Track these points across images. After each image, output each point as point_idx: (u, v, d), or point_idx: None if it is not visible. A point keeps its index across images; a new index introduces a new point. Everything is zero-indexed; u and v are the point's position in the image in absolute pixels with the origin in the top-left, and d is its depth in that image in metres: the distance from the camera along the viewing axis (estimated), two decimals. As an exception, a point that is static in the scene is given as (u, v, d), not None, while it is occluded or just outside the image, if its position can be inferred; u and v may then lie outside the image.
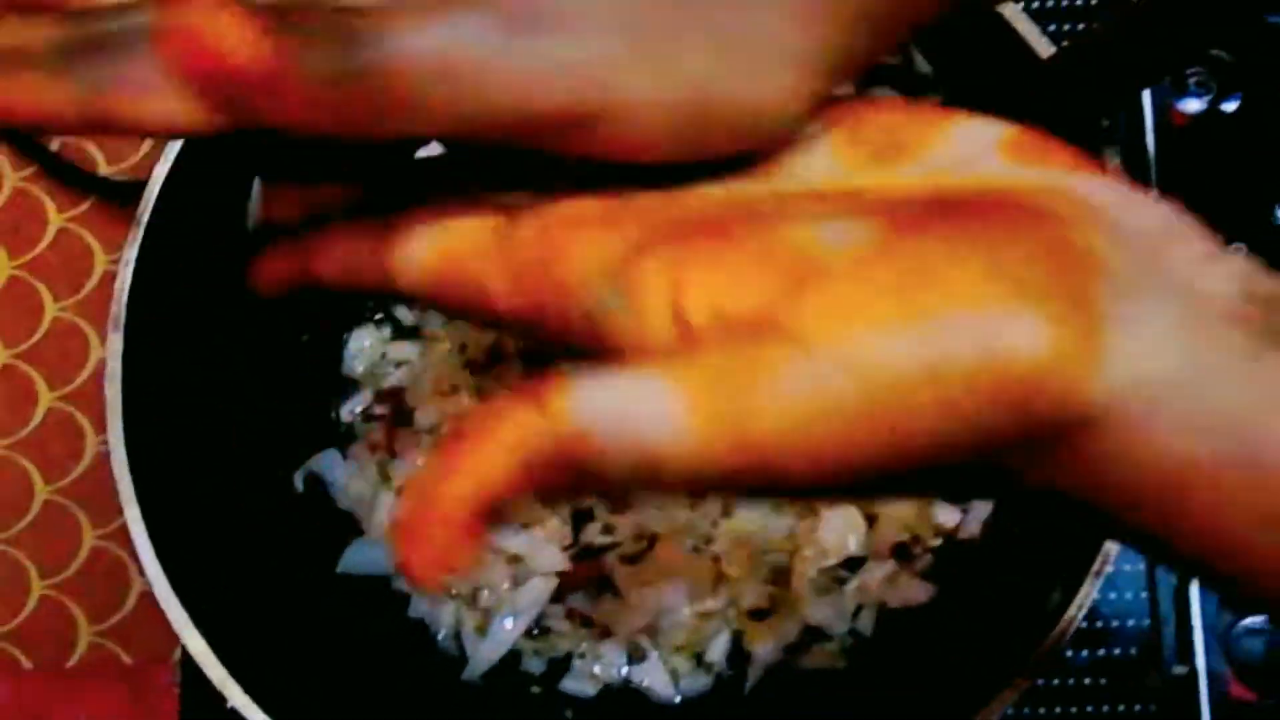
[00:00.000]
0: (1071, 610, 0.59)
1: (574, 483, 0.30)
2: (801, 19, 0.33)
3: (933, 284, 0.29)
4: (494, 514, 0.29)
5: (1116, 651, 0.71)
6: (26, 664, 0.79)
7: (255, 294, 0.40)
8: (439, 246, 0.34)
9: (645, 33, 0.32)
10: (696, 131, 0.33)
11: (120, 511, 0.77)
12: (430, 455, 0.36)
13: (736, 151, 0.34)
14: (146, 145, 0.85)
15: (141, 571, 0.77)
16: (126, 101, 0.30)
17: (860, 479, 0.29)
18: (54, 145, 0.85)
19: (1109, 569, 0.59)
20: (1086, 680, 0.71)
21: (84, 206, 0.85)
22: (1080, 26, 0.77)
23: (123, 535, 0.78)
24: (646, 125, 0.32)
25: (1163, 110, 0.75)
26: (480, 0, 0.31)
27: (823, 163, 0.35)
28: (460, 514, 0.28)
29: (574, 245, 0.32)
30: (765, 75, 0.33)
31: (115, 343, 0.64)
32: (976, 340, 0.28)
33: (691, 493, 0.36)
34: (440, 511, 0.29)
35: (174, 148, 0.65)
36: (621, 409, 0.29)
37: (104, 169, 0.85)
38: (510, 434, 0.29)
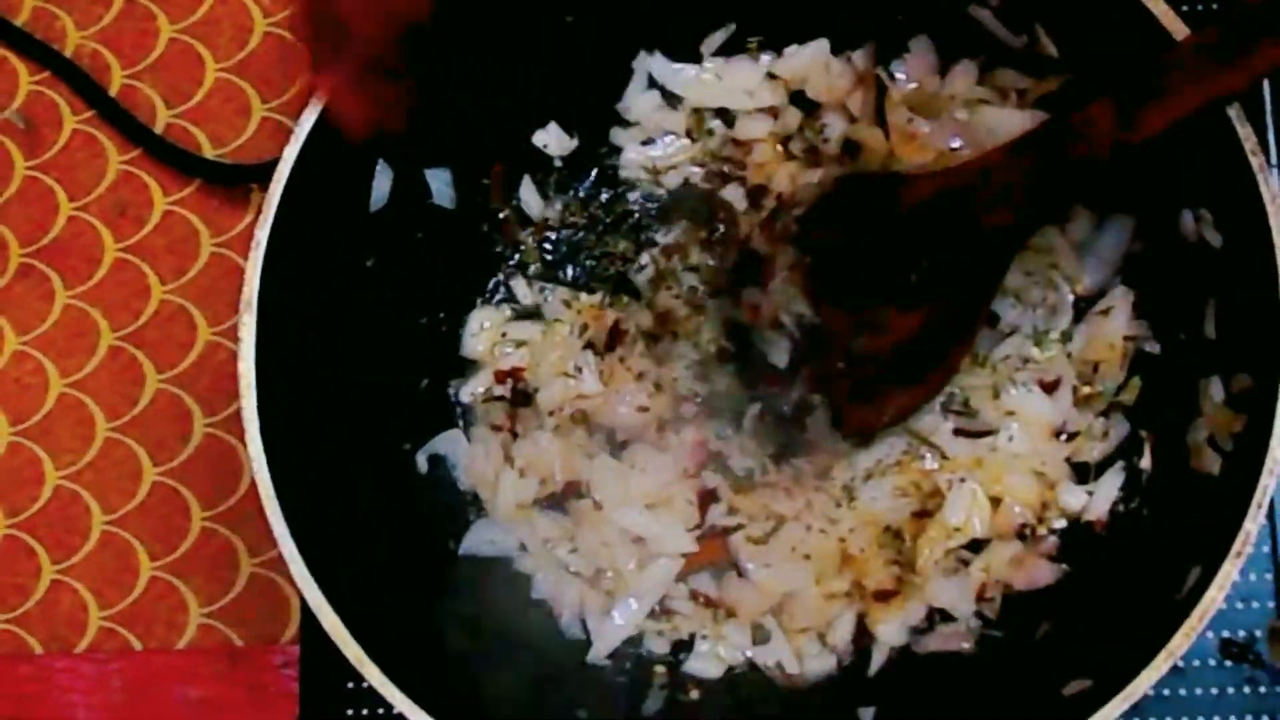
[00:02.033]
0: (1213, 591, 0.59)
1: None
2: None
3: None
4: None
5: (1241, 634, 0.70)
6: (137, 645, 0.79)
7: None
8: None
9: None
10: None
11: (229, 494, 0.78)
12: None
13: None
14: (250, 129, 0.85)
15: (251, 553, 0.78)
16: None
17: None
18: (158, 128, 0.85)
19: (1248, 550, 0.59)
20: (1211, 661, 0.70)
21: (189, 189, 0.85)
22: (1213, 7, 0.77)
23: (231, 517, 0.79)
24: None
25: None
26: None
27: None
28: None
29: None
30: None
31: (249, 322, 0.64)
32: None
33: None
34: None
35: (302, 130, 0.65)
36: None
37: (209, 152, 0.85)
38: None
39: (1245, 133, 0.61)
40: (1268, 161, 0.68)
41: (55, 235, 0.85)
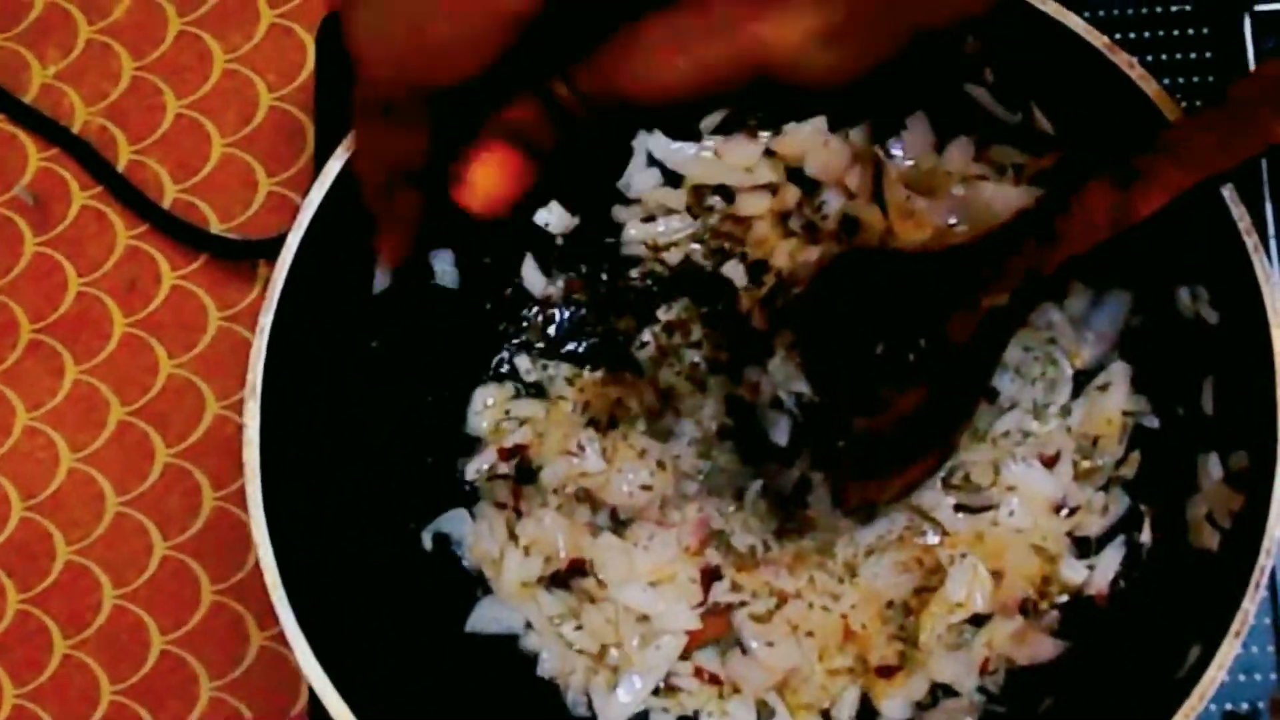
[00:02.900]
0: (1212, 670, 0.59)
1: None
2: None
3: None
4: None
5: (1244, 706, 0.71)
6: (149, 720, 0.80)
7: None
8: None
9: None
10: None
11: (239, 567, 0.79)
12: None
13: None
14: (256, 204, 0.86)
15: (261, 626, 0.78)
16: None
17: None
18: (166, 203, 0.86)
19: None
20: (1215, 735, 0.71)
21: (197, 264, 0.86)
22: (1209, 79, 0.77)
23: (241, 590, 0.80)
24: None
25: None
26: None
27: None
28: None
29: None
30: None
31: (253, 409, 0.64)
32: None
33: None
34: None
35: (304, 217, 0.66)
36: None
37: (216, 226, 0.86)
38: None
39: (1239, 212, 0.61)
40: (1265, 237, 0.69)
41: (64, 311, 0.86)
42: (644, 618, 0.71)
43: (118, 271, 0.86)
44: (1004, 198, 0.71)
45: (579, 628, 0.72)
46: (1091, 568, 0.70)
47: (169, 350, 0.84)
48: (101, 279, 0.86)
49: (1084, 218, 0.62)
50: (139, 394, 0.84)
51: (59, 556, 0.82)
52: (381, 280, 0.70)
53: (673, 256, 0.77)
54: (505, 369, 0.77)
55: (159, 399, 0.84)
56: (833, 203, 0.75)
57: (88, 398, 0.84)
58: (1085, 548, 0.71)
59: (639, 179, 0.77)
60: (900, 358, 0.67)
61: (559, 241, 0.77)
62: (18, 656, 0.81)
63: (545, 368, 0.76)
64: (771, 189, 0.76)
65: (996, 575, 0.70)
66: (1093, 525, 0.70)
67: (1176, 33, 0.78)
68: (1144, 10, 0.79)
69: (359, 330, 0.71)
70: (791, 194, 0.76)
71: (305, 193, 0.66)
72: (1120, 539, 0.70)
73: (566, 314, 0.78)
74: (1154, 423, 0.70)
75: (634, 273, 0.77)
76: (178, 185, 0.87)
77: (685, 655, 0.72)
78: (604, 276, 0.78)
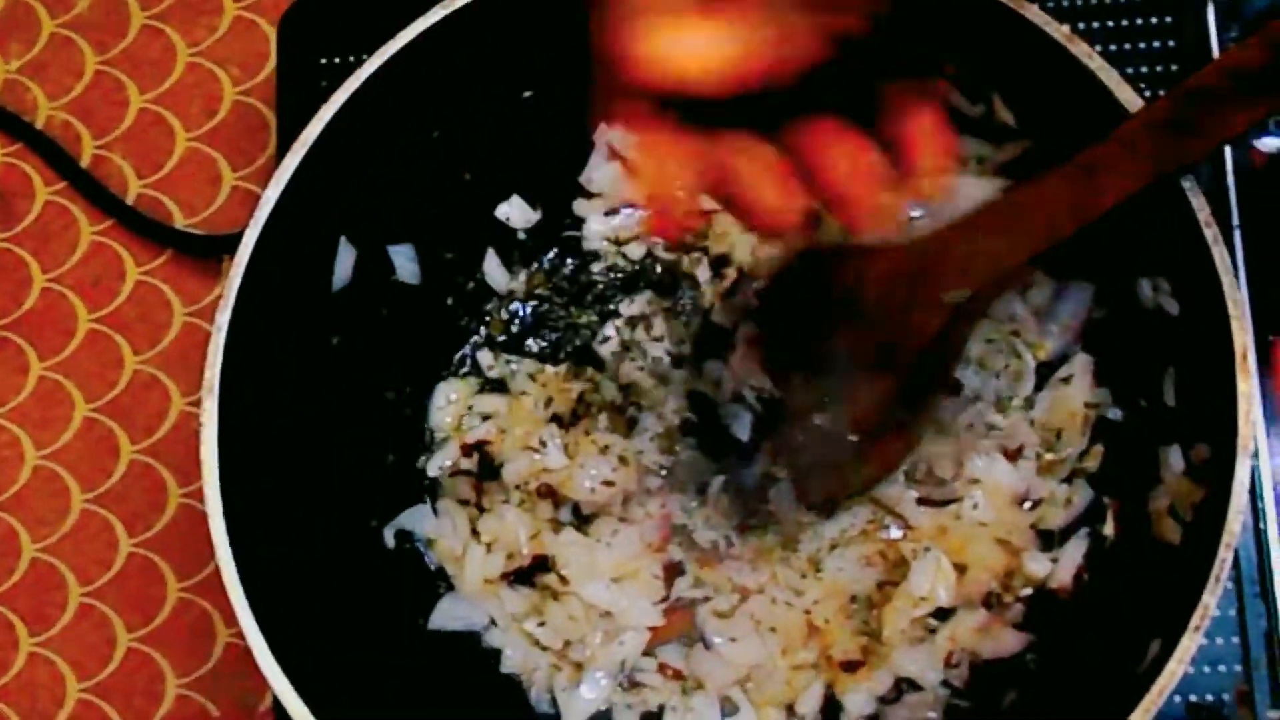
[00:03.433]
0: (1172, 665, 0.59)
1: None
2: None
3: None
4: None
5: (1209, 698, 0.70)
6: (116, 717, 0.80)
7: None
8: None
9: None
10: None
11: (205, 564, 0.78)
12: None
13: None
14: (221, 198, 0.85)
15: (227, 623, 0.78)
16: None
17: None
18: (130, 198, 0.86)
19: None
20: (1180, 727, 0.70)
21: (161, 259, 0.85)
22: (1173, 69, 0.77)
23: (207, 587, 0.79)
24: None
25: (1243, 149, 0.75)
26: None
27: None
28: None
29: None
30: None
31: (210, 408, 0.64)
32: None
33: None
34: None
35: (261, 215, 0.66)
36: None
37: (180, 221, 0.85)
38: None
39: (1199, 204, 0.61)
40: (1228, 228, 0.69)
41: (29, 307, 0.86)
42: (607, 614, 0.71)
43: (82, 267, 0.85)
44: (967, 189, 0.70)
45: (542, 624, 0.72)
46: (1055, 560, 0.70)
47: (134, 346, 0.84)
48: (66, 275, 0.85)
49: (1045, 212, 0.61)
50: (104, 390, 0.83)
51: (24, 554, 0.82)
52: (341, 277, 0.70)
53: (635, 250, 0.76)
54: (467, 364, 0.77)
55: (124, 395, 0.83)
56: (795, 195, 0.74)
57: (52, 394, 0.84)
58: (1049, 540, 0.70)
59: (601, 173, 0.76)
60: (861, 353, 0.67)
61: (521, 236, 0.77)
62: (-16, 655, 0.81)
63: (507, 363, 0.76)
64: (734, 181, 0.75)
65: (960, 569, 0.70)
66: (1056, 518, 0.70)
67: (1139, 21, 0.77)
68: (1105, -1, 0.78)
69: (319, 327, 0.70)
70: (754, 187, 0.75)
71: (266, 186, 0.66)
72: (1083, 531, 0.69)
73: (529, 309, 0.77)
74: (1116, 414, 0.70)
75: (596, 267, 0.77)
76: (142, 180, 0.86)
77: (649, 651, 0.72)
78: (566, 271, 0.77)
